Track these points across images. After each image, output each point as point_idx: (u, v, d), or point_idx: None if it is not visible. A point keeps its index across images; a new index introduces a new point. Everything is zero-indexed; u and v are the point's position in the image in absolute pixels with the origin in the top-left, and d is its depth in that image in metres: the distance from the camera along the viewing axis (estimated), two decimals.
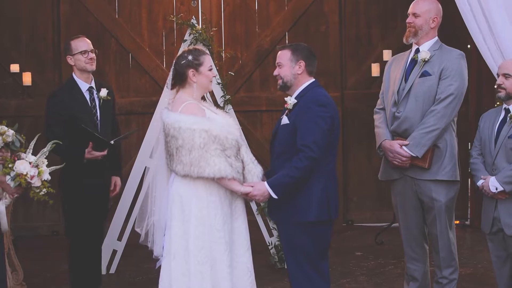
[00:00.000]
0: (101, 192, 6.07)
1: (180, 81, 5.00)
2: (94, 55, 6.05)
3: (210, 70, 5.04)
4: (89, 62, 6.00)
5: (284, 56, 5.10)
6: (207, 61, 5.03)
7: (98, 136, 5.85)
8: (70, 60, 6.02)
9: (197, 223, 4.88)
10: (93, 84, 6.07)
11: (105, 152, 5.87)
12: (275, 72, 5.12)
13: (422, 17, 5.57)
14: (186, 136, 4.79)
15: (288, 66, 5.07)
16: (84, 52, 5.98)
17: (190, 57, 4.99)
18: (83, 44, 6.04)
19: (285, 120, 5.03)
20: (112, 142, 5.94)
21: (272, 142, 5.16)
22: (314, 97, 4.98)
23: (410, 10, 5.63)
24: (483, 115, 5.48)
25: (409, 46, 5.73)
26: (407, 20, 5.63)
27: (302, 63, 5.06)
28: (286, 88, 5.09)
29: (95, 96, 6.05)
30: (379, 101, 5.79)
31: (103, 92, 6.08)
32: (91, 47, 6.06)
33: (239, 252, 5.01)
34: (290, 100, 5.04)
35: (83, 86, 6.02)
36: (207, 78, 5.01)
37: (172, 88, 5.05)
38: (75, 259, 6.02)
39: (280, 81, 5.09)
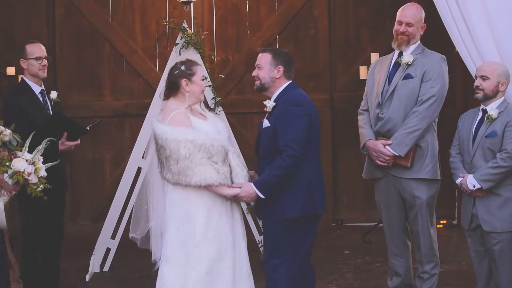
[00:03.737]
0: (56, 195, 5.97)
1: (173, 90, 5.14)
2: (47, 62, 6.15)
3: (203, 80, 5.18)
4: (42, 68, 6.09)
5: (264, 58, 5.22)
6: (200, 71, 5.17)
7: (75, 123, 6.08)
8: (23, 64, 6.11)
9: (190, 225, 5.03)
10: (43, 87, 6.19)
11: (78, 141, 6.05)
12: (254, 73, 5.25)
13: (415, 26, 5.76)
14: (172, 147, 4.94)
15: (267, 69, 5.19)
16: (38, 58, 6.07)
17: (183, 67, 5.13)
18: (38, 50, 6.11)
19: (266, 123, 5.18)
20: (88, 128, 6.13)
21: (256, 145, 5.31)
22: (290, 98, 5.14)
23: (402, 19, 5.77)
24: (462, 116, 5.66)
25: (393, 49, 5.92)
26: (400, 29, 5.77)
27: (281, 68, 5.20)
28: (263, 90, 5.23)
29: (47, 98, 6.18)
30: (363, 103, 5.98)
31: (53, 94, 6.23)
32: (45, 54, 6.16)
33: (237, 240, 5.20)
34: (269, 104, 5.20)
35: (36, 88, 6.13)
36: (199, 87, 5.15)
37: (165, 99, 5.20)
38: (31, 258, 6.15)
39: (257, 82, 5.22)
